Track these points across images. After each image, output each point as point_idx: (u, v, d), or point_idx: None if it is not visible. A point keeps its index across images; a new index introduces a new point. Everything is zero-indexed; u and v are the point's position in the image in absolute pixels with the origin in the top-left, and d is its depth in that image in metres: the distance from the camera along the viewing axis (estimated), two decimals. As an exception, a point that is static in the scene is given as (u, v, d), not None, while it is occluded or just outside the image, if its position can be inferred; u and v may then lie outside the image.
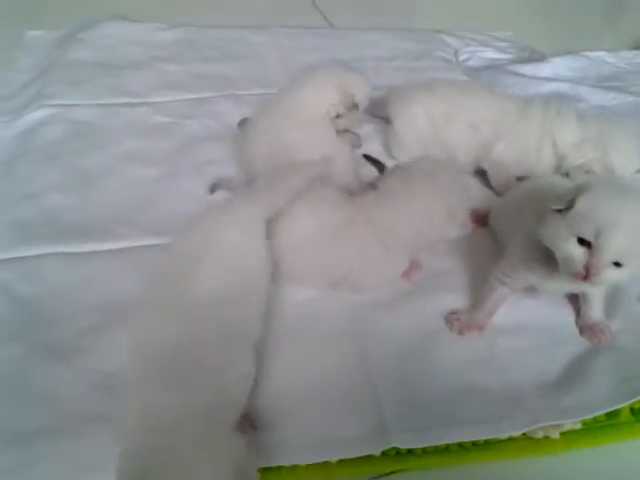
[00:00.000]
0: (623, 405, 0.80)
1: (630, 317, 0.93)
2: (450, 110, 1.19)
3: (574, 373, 0.85)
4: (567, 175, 1.12)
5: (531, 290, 0.92)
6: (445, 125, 1.19)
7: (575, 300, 0.95)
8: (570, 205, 0.74)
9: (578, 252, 0.73)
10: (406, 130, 1.22)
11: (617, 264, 0.72)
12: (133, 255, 1.00)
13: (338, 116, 1.14)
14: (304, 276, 0.95)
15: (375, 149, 1.26)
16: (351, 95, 1.14)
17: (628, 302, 0.95)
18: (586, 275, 0.72)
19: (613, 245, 0.70)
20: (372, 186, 1.01)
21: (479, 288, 0.95)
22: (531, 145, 1.15)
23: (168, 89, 1.41)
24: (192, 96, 1.39)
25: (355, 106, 1.15)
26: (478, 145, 1.18)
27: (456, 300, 0.96)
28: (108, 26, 1.61)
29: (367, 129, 1.32)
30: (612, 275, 0.73)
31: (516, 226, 0.93)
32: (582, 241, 0.72)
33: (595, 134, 1.11)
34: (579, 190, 0.74)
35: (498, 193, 1.18)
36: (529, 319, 0.93)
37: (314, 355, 0.86)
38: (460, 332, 0.90)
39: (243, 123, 1.24)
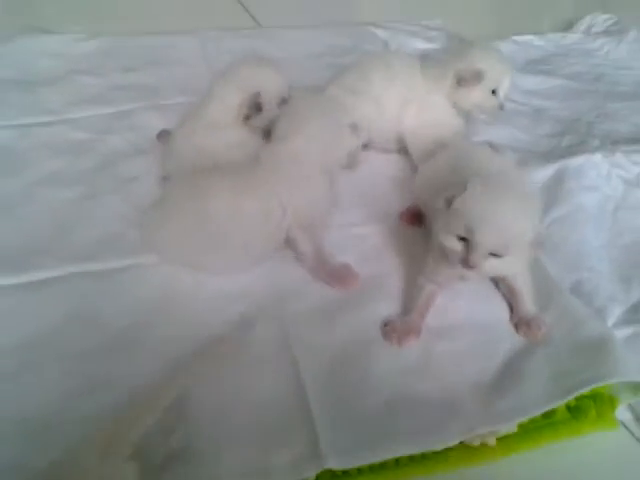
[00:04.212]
0: (558, 404, 0.79)
1: (562, 309, 0.91)
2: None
3: (509, 373, 0.83)
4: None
5: (461, 280, 0.91)
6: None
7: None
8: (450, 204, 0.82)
9: (457, 247, 0.81)
10: None
11: (497, 255, 0.79)
12: (55, 285, 0.94)
13: (247, 118, 1.07)
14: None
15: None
16: (255, 95, 1.06)
17: (560, 295, 0.94)
18: (469, 266, 0.80)
19: (484, 241, 0.78)
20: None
21: (410, 290, 0.93)
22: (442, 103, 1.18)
23: (87, 103, 1.35)
24: (113, 109, 1.34)
25: (258, 107, 1.07)
26: (387, 121, 1.19)
27: (389, 305, 0.93)
28: (23, 39, 1.55)
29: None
30: (494, 265, 0.81)
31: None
32: (460, 237, 0.80)
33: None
34: (460, 189, 0.81)
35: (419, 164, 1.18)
36: (465, 319, 0.91)
37: (246, 379, 0.82)
38: (399, 343, 0.87)
39: (162, 135, 1.20)
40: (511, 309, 0.92)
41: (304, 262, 0.97)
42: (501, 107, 1.15)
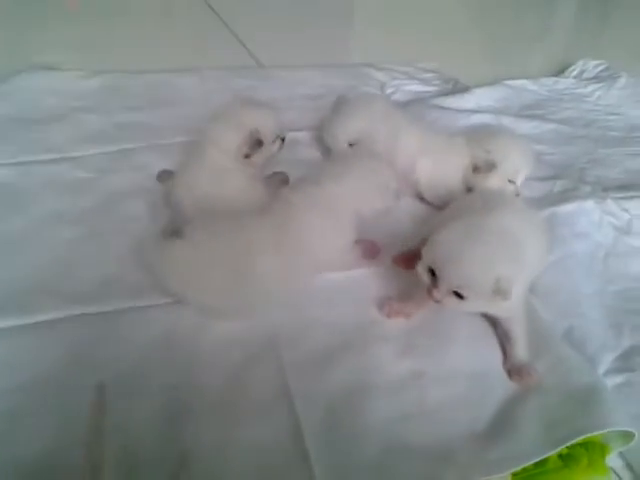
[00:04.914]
0: (551, 454, 0.80)
1: (555, 357, 0.92)
2: None
3: (503, 421, 0.84)
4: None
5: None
6: None
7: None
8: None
9: (426, 278, 0.85)
10: None
11: (459, 295, 0.82)
12: (55, 328, 0.94)
13: (247, 156, 1.12)
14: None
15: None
16: (254, 132, 1.12)
17: (553, 342, 0.95)
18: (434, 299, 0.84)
19: (447, 278, 0.81)
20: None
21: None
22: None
23: (89, 142, 1.37)
24: (115, 148, 1.36)
25: (259, 143, 1.13)
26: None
27: (388, 350, 0.94)
28: (26, 77, 1.58)
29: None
30: (455, 304, 0.83)
31: None
32: (431, 269, 0.84)
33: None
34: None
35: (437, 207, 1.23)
36: (460, 365, 0.92)
37: (245, 425, 0.83)
38: (389, 316, 0.98)
39: (162, 175, 1.22)
40: (505, 354, 0.94)
41: None
42: (517, 194, 1.17)
